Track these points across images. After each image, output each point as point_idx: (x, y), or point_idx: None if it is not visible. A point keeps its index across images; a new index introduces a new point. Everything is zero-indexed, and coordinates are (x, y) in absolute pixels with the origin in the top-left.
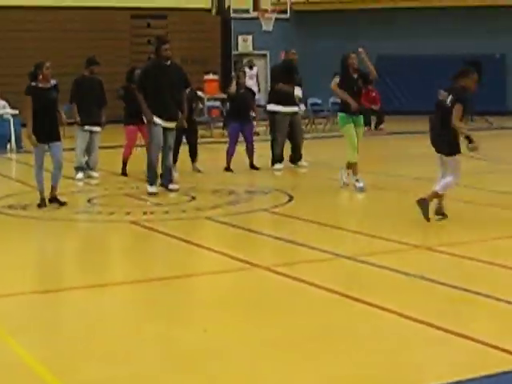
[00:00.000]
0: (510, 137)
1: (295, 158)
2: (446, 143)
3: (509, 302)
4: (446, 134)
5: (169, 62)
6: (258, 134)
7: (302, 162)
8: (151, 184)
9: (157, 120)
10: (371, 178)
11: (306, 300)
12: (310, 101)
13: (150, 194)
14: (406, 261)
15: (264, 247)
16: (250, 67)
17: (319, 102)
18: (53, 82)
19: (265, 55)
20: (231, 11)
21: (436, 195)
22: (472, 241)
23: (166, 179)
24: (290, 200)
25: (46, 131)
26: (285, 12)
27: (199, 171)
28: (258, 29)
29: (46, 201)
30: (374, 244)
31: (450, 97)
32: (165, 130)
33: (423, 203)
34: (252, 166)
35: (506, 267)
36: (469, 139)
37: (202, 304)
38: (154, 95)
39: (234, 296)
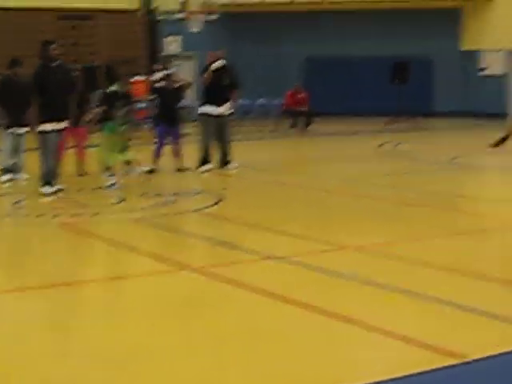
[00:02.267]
0: (437, 137)
1: (223, 160)
2: None
3: (438, 300)
4: None
5: (57, 63)
6: (187, 134)
7: (231, 165)
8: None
9: (47, 127)
10: (297, 178)
11: (235, 301)
12: (239, 102)
13: (48, 194)
14: (335, 261)
15: (193, 249)
16: (165, 69)
17: (247, 103)
18: None
19: (193, 56)
20: (159, 12)
21: None
22: (401, 240)
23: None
24: (219, 201)
25: None
26: (213, 13)
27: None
28: (185, 30)
29: None
30: (303, 244)
31: None
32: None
33: None
34: (179, 168)
35: (434, 267)
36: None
37: (130, 306)
38: (45, 97)
39: (163, 298)
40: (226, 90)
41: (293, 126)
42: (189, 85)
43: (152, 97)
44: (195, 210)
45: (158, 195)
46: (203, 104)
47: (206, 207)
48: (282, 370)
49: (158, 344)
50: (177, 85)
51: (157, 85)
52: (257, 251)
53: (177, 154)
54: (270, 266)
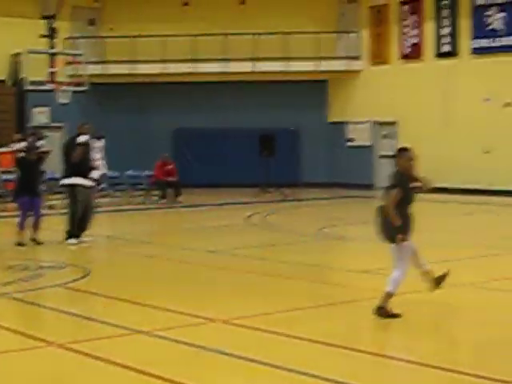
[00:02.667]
0: (305, 208)
1: (80, 230)
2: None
3: (305, 374)
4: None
5: None
6: (52, 207)
7: (86, 238)
8: None
9: None
10: (166, 250)
11: (102, 378)
12: (108, 174)
13: None
14: (202, 335)
15: (59, 324)
16: (98, 138)
17: (116, 175)
18: None
19: (62, 127)
20: (27, 83)
21: (389, 296)
22: (266, 313)
23: None
24: (86, 275)
25: None
26: (82, 84)
27: None
28: (54, 101)
29: None
30: (171, 318)
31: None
32: None
33: (382, 312)
34: (34, 240)
35: (300, 338)
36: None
37: None
38: None
39: (28, 376)
40: (89, 162)
41: (162, 197)
42: (47, 154)
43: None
44: (61, 284)
45: (25, 269)
46: (69, 176)
47: (73, 281)
48: None
49: None
50: (36, 156)
51: (18, 155)
52: (124, 326)
53: (36, 225)
54: (137, 340)
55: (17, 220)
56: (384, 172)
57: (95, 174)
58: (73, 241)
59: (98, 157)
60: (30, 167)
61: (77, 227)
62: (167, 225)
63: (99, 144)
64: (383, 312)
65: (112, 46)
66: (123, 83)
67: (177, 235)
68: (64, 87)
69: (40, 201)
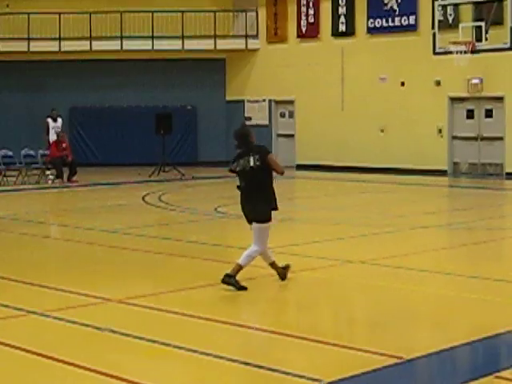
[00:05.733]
0: (201, 186)
1: None
2: (261, 210)
3: (202, 353)
4: (264, 197)
5: None
6: None
7: None
8: None
9: None
10: (61, 230)
11: None
12: (1, 153)
13: None
14: (98, 314)
15: None
16: (54, 119)
17: (10, 154)
18: None
19: None
20: None
21: (239, 268)
22: (162, 292)
23: None
24: None
25: None
26: None
27: None
28: None
29: None
30: (66, 299)
31: (256, 156)
32: None
33: (230, 280)
34: None
35: (195, 317)
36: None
37: None
38: None
39: None
40: None
41: (58, 176)
42: None
43: None
44: None
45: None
46: None
47: None
48: None
49: None
50: None
51: None
52: (18, 307)
53: None
54: (32, 321)
55: None
56: (281, 150)
57: None
58: None
59: (55, 138)
60: None
61: None
62: (62, 204)
63: (56, 124)
64: (231, 280)
65: (7, 24)
66: (19, 61)
67: (71, 215)
68: None
69: None
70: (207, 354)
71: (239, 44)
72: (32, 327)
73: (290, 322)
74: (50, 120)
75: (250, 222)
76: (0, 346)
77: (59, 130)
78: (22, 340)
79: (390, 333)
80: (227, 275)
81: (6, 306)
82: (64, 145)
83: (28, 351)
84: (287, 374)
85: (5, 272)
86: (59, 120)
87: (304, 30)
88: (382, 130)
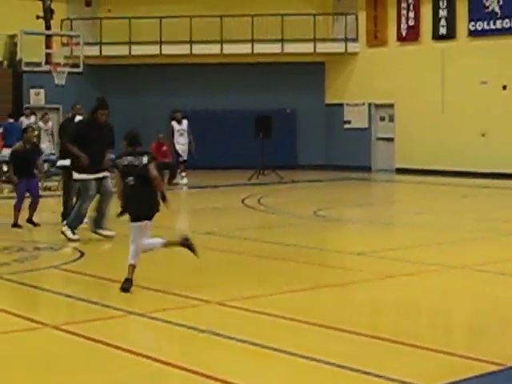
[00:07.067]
0: (300, 191)
1: (66, 213)
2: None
3: (301, 356)
4: (150, 196)
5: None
6: (49, 188)
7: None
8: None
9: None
10: (163, 232)
11: (97, 359)
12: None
13: (72, 240)
14: (197, 316)
15: (53, 305)
16: (178, 121)
17: (112, 156)
18: None
19: (58, 109)
20: (23, 64)
21: (133, 268)
22: (261, 295)
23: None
24: (80, 256)
25: None
26: (77, 66)
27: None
28: (50, 82)
29: None
30: (166, 300)
31: (146, 157)
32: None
33: (127, 285)
34: (29, 221)
35: (295, 320)
36: (164, 196)
37: None
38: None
39: (21, 356)
40: None
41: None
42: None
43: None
44: (56, 266)
45: (20, 250)
46: (63, 157)
47: (68, 262)
48: None
49: None
50: (31, 142)
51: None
52: (119, 307)
53: (33, 207)
54: (133, 322)
55: (13, 202)
56: (381, 154)
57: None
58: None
59: (181, 141)
60: (26, 152)
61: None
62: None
63: (181, 127)
64: (129, 283)
65: (108, 28)
66: (119, 65)
67: (171, 217)
68: (60, 69)
69: (37, 183)
70: (304, 357)
71: (339, 47)
72: (133, 328)
73: (388, 327)
74: (174, 123)
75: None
76: (98, 345)
77: (185, 132)
78: (122, 340)
79: (489, 339)
80: (125, 279)
81: (107, 307)
82: (164, 147)
83: (127, 351)
84: (380, 376)
85: (106, 273)
86: (184, 122)
87: (404, 33)
88: (483, 135)
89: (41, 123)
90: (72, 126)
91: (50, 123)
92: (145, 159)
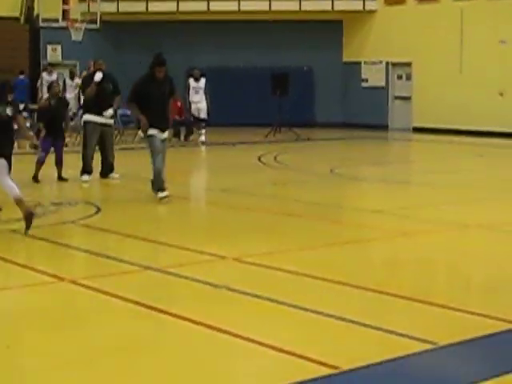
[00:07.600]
0: (317, 148)
1: (104, 170)
2: None
3: (315, 312)
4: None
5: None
6: (66, 145)
7: (114, 174)
8: (163, 190)
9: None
10: (179, 189)
11: (113, 313)
12: (120, 112)
13: (164, 197)
14: (213, 272)
15: (71, 260)
16: (196, 79)
17: (128, 113)
18: None
19: (74, 65)
20: (40, 20)
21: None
22: (277, 251)
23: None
24: (97, 212)
25: None
26: (94, 22)
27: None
28: (67, 38)
29: None
30: (181, 255)
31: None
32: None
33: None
34: (60, 178)
35: (311, 276)
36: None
37: (6, 319)
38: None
39: (40, 310)
40: (108, 98)
41: (174, 135)
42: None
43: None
44: (74, 221)
45: (38, 205)
46: (86, 112)
47: (85, 217)
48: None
49: (34, 359)
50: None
51: (41, 104)
52: (135, 262)
53: (59, 163)
54: (148, 277)
55: (36, 156)
56: (398, 113)
57: (109, 112)
58: (85, 177)
59: (197, 98)
60: (52, 108)
61: (103, 168)
62: (178, 164)
63: (198, 85)
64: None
65: None
66: (136, 21)
67: (188, 174)
68: (77, 25)
69: (62, 140)
70: (317, 313)
71: (357, 5)
72: (148, 282)
73: (403, 284)
74: (191, 80)
75: None
76: (113, 299)
77: (200, 90)
78: (138, 294)
79: (504, 298)
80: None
81: (122, 261)
82: (179, 103)
83: (142, 304)
84: (391, 332)
85: (123, 228)
86: (202, 80)
87: None
88: (502, 94)
89: (67, 79)
90: (113, 80)
91: (77, 79)
92: (9, 110)
